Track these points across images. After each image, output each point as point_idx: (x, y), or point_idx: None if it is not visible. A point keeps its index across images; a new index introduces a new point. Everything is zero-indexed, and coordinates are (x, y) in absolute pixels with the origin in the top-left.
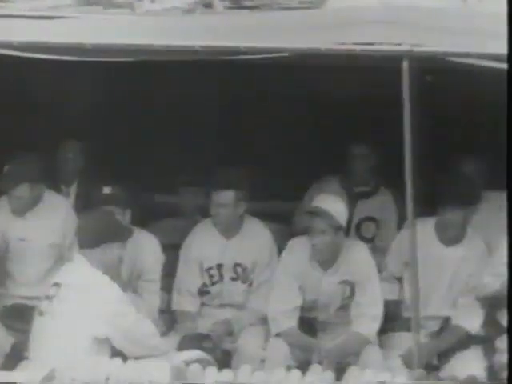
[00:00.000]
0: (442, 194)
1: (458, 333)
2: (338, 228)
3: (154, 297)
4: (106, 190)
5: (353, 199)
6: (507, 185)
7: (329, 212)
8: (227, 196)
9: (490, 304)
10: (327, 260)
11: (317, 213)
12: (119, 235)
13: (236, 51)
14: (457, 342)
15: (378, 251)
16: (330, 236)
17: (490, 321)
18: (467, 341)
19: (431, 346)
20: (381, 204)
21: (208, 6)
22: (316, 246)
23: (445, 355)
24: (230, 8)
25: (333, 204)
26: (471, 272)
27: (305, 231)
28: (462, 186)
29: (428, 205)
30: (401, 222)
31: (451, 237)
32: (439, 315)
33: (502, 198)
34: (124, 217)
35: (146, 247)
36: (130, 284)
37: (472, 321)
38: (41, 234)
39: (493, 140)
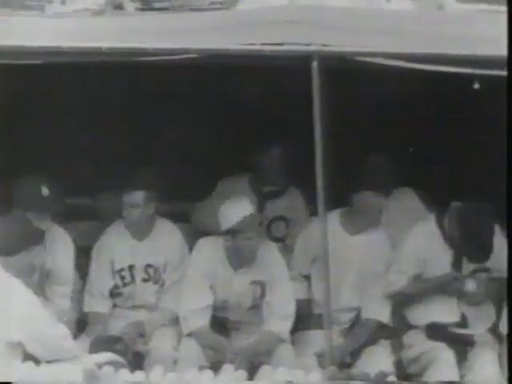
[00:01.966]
0: (348, 185)
1: (369, 326)
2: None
3: (63, 300)
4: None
5: (262, 199)
6: (507, 185)
7: (238, 230)
8: (138, 196)
9: (397, 300)
10: (240, 260)
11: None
12: (33, 239)
13: (144, 53)
14: (369, 335)
15: (289, 250)
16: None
17: (397, 317)
18: (378, 334)
19: (346, 343)
20: (290, 203)
21: (118, 7)
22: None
23: (356, 351)
24: (141, 9)
25: (239, 213)
26: (376, 261)
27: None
28: (367, 176)
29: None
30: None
31: (355, 225)
32: (350, 307)
33: (408, 196)
34: (40, 221)
35: (57, 250)
36: (40, 287)
37: (382, 311)
38: None
39: (402, 138)
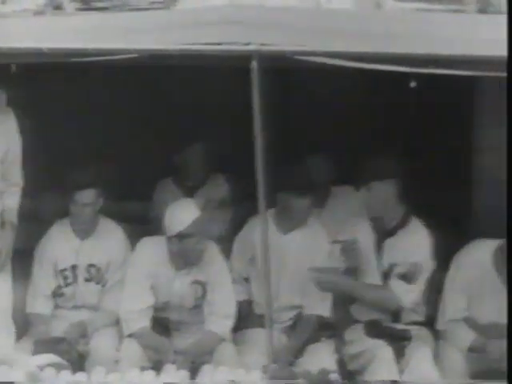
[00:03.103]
0: (281, 184)
1: (311, 322)
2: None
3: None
4: None
5: (187, 195)
6: (507, 185)
7: (187, 234)
8: (89, 194)
9: (339, 297)
10: (184, 262)
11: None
12: None
13: (84, 53)
14: (311, 331)
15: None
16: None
17: (341, 312)
18: (320, 331)
19: (288, 341)
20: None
21: (58, 7)
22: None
23: (299, 349)
24: (81, 9)
25: (188, 218)
26: (314, 257)
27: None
28: (298, 176)
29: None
30: (240, 219)
31: (286, 225)
32: (292, 305)
33: (347, 193)
34: None
35: None
36: None
37: (322, 305)
38: None
39: (340, 138)
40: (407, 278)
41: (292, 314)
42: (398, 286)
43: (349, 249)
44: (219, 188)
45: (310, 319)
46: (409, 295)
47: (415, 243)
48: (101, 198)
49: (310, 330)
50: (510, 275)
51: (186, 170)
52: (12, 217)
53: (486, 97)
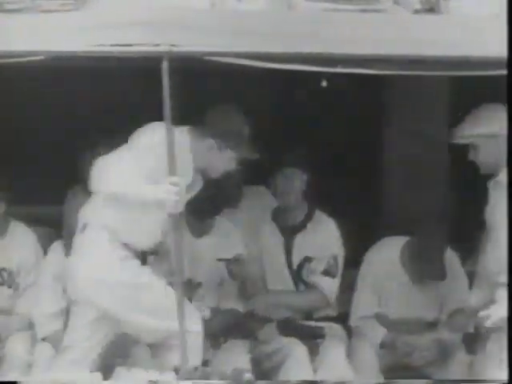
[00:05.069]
0: None
1: (225, 318)
2: None
3: None
4: None
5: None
6: (508, 183)
7: None
8: None
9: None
10: None
11: None
12: None
13: None
14: (226, 329)
15: None
16: None
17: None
18: (235, 330)
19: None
20: None
21: None
22: None
23: (213, 349)
24: None
25: None
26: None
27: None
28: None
29: None
30: None
31: (199, 229)
32: (208, 305)
33: (259, 192)
34: None
35: None
36: None
37: (236, 301)
38: None
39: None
40: (330, 272)
41: (207, 313)
42: (325, 283)
43: (234, 265)
44: None
45: (224, 315)
46: (334, 290)
47: (327, 235)
48: (2, 203)
49: (223, 328)
50: (510, 273)
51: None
52: None
53: (395, 93)
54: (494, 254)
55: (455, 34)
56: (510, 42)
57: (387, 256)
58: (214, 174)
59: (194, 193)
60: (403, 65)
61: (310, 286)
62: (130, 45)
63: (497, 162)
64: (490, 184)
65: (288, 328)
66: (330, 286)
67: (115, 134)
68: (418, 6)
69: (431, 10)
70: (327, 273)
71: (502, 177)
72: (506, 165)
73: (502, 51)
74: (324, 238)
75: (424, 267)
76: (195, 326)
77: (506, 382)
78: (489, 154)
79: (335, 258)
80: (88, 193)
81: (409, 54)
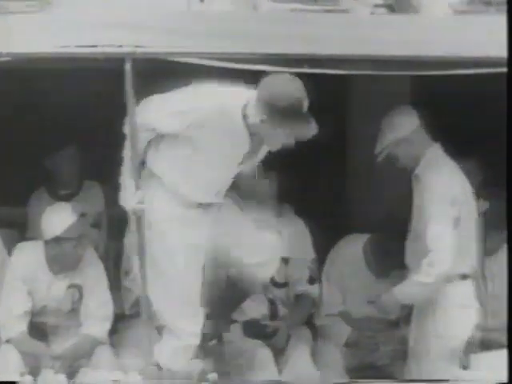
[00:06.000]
0: None
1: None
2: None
3: None
4: None
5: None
6: (507, 184)
7: (63, 238)
8: None
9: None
10: (62, 266)
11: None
12: None
13: None
14: None
15: None
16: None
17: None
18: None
19: None
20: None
21: None
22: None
23: None
24: None
25: (64, 222)
26: None
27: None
28: None
29: None
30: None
31: None
32: None
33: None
34: None
35: None
36: None
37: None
38: None
39: None
40: (315, 279)
41: None
42: (312, 290)
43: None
44: (95, 197)
45: None
46: (319, 292)
47: (301, 237)
48: None
49: None
50: (510, 274)
51: (58, 176)
52: None
53: (359, 93)
54: (412, 245)
55: (417, 34)
56: (510, 41)
57: (350, 253)
58: (272, 147)
59: (257, 160)
60: (368, 64)
61: (299, 298)
62: (95, 46)
63: (414, 157)
64: (412, 177)
65: (253, 329)
66: (317, 290)
67: (80, 135)
68: (378, 1)
69: (390, 6)
70: (312, 280)
71: (419, 170)
72: (506, 165)
73: (458, 51)
74: (300, 241)
75: (386, 258)
76: (195, 326)
77: (506, 382)
78: (407, 155)
79: (313, 262)
80: (52, 195)
81: (372, 54)
